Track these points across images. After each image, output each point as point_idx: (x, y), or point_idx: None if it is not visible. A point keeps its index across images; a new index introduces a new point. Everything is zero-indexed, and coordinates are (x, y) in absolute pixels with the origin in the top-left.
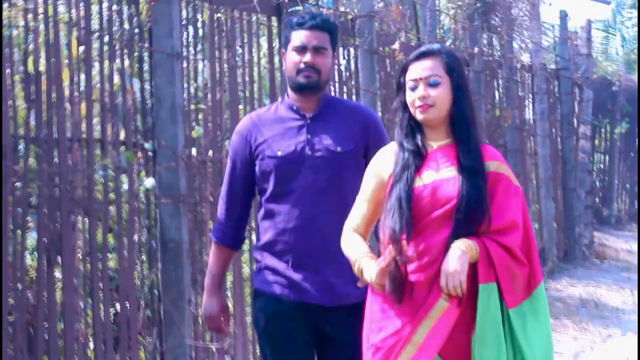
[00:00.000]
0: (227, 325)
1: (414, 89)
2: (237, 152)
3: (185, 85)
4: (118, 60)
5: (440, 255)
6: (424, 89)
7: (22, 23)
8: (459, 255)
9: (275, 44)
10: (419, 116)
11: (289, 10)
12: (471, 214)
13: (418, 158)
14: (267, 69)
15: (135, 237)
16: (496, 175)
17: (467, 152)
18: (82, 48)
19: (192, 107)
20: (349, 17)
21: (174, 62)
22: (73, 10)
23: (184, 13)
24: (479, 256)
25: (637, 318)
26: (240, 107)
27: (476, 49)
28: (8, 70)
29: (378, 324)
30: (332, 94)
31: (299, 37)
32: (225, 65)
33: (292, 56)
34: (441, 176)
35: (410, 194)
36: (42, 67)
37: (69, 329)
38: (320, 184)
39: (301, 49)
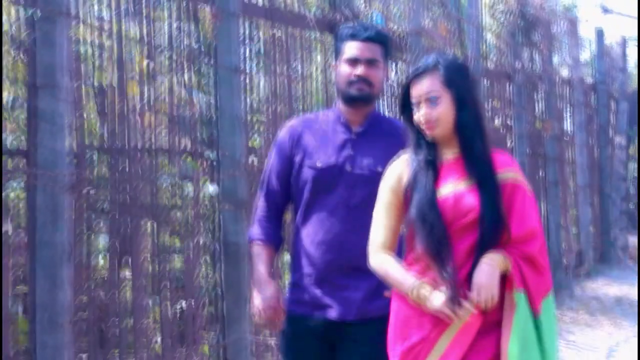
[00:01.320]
0: (281, 316)
1: (417, 107)
2: (277, 156)
3: (245, 98)
4: (183, 75)
5: (463, 264)
6: (426, 107)
7: (93, 40)
8: (491, 269)
9: (329, 58)
10: (427, 133)
11: (342, 27)
12: (495, 224)
13: (434, 171)
14: (322, 82)
15: (199, 240)
16: (514, 183)
17: (471, 164)
18: (149, 63)
19: (252, 118)
20: (399, 33)
21: (235, 76)
22: (141, 28)
23: (243, 30)
24: (510, 266)
25: None
26: None
27: (518, 64)
28: (79, 84)
29: (404, 332)
30: (384, 108)
31: (351, 48)
32: (283, 79)
33: (344, 68)
34: (461, 187)
35: (437, 208)
36: (112, 81)
37: (138, 325)
38: (354, 200)
39: (354, 61)
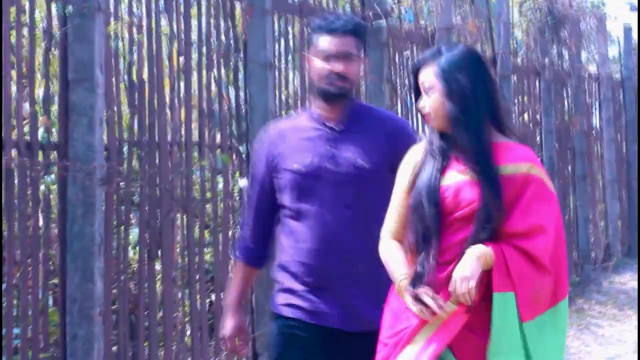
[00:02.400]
0: (244, 347)
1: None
2: (255, 166)
3: (277, 93)
4: (215, 70)
5: (457, 257)
6: (424, 97)
7: (127, 36)
8: (472, 261)
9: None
10: (428, 124)
11: (373, 23)
12: (490, 218)
13: (442, 159)
14: None
15: (230, 233)
16: (527, 176)
17: (467, 157)
18: (181, 59)
19: (283, 113)
20: (429, 30)
21: (267, 72)
22: (174, 24)
23: (276, 26)
24: (493, 263)
25: None
26: None
27: (547, 60)
28: (113, 78)
29: (392, 324)
30: (411, 104)
31: (324, 42)
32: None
33: (318, 62)
34: (464, 177)
35: (437, 196)
36: (145, 76)
37: (168, 317)
38: (342, 201)
39: (328, 56)
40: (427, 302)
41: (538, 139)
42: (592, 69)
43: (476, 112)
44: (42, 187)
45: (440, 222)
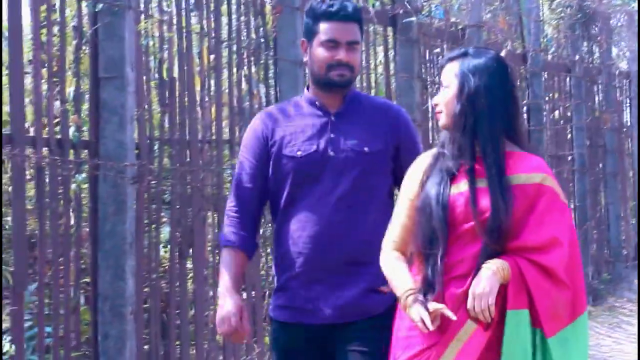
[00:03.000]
0: (245, 327)
1: None
2: (251, 149)
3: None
4: (245, 67)
5: (472, 271)
6: (440, 94)
7: (157, 34)
8: (489, 276)
9: (391, 52)
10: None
11: (403, 21)
12: (499, 230)
13: (454, 165)
14: (383, 75)
15: (261, 232)
16: (540, 187)
17: (479, 164)
18: (212, 56)
19: None
20: (459, 27)
21: (297, 69)
22: (204, 22)
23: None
24: (509, 278)
25: None
26: None
27: (577, 57)
28: (143, 76)
29: (405, 340)
30: None
31: (330, 30)
32: None
33: (321, 51)
34: (478, 185)
35: (446, 202)
36: (175, 74)
37: (199, 315)
38: (343, 188)
39: (333, 44)
40: (446, 313)
41: (569, 136)
42: (623, 65)
43: (488, 119)
44: (73, 186)
45: (451, 231)
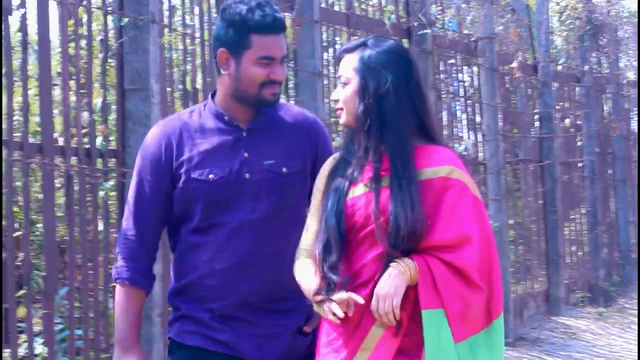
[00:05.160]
0: None
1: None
2: (150, 168)
3: (326, 100)
4: None
5: (376, 275)
6: (338, 89)
7: (181, 46)
8: (394, 275)
9: None
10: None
11: (418, 33)
12: (403, 231)
13: (356, 167)
14: None
15: None
16: (446, 180)
17: (381, 163)
18: None
19: (332, 120)
20: (472, 38)
21: (316, 80)
22: None
23: (324, 36)
24: (418, 278)
25: None
26: None
27: (586, 67)
28: (168, 87)
29: (321, 351)
30: (457, 109)
31: (266, 45)
32: None
33: (254, 69)
34: (369, 188)
35: (341, 208)
36: (198, 85)
37: None
38: (260, 214)
39: (269, 62)
40: (354, 298)
41: (579, 143)
42: (631, 75)
43: (392, 113)
44: (101, 193)
45: (351, 237)
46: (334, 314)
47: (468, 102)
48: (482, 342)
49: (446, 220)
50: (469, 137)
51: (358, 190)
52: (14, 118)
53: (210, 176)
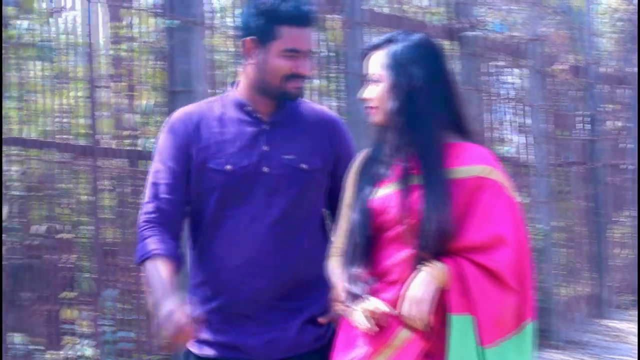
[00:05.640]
0: (191, 323)
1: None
2: (171, 155)
3: None
4: (315, 81)
5: (405, 275)
6: (369, 87)
7: (227, 49)
8: (425, 279)
9: (452, 65)
10: (370, 120)
11: (465, 35)
12: (435, 231)
13: (385, 165)
14: None
15: None
16: (481, 180)
17: (413, 160)
18: None
19: None
20: (518, 40)
21: (364, 82)
22: None
23: (370, 38)
24: (449, 282)
25: None
26: None
27: (632, 69)
28: (214, 90)
29: (340, 348)
30: (503, 111)
31: (294, 37)
32: None
33: (279, 61)
34: (412, 183)
35: (369, 207)
36: None
37: None
38: (277, 211)
39: (295, 54)
40: (384, 309)
41: (627, 146)
42: None
43: (425, 110)
44: None
45: (381, 236)
46: (366, 325)
47: (514, 104)
48: (512, 345)
49: (479, 220)
50: (515, 139)
51: (388, 189)
52: (62, 120)
53: (228, 167)
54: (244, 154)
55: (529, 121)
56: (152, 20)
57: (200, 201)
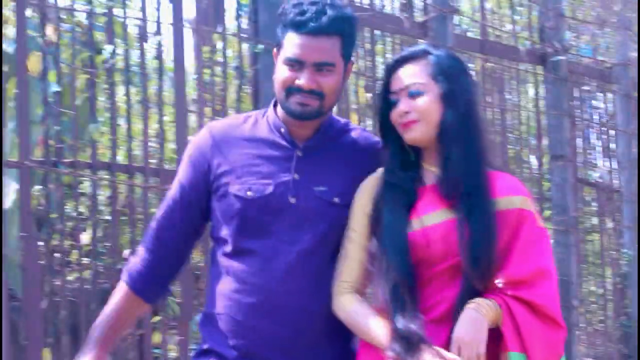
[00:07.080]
0: None
1: (395, 103)
2: (197, 159)
3: None
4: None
5: (450, 312)
6: (405, 100)
7: None
8: (476, 318)
9: (541, 89)
10: (405, 136)
11: (553, 59)
12: (485, 268)
13: (408, 194)
14: (533, 112)
15: None
16: (521, 212)
17: (455, 186)
18: (368, 95)
19: None
20: (607, 65)
21: None
22: (360, 61)
23: None
24: (502, 319)
25: None
26: (510, 147)
27: None
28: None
29: None
30: (592, 135)
31: (295, 45)
32: (496, 109)
33: (281, 70)
34: (447, 216)
35: (406, 244)
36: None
37: None
38: (300, 245)
39: (296, 65)
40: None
41: None
42: None
43: (476, 126)
44: None
45: (424, 272)
46: None
47: (603, 129)
48: None
49: (520, 253)
50: (603, 164)
51: (432, 219)
52: (150, 145)
53: (249, 193)
54: (269, 181)
55: (613, 145)
56: (237, 45)
57: (220, 227)
